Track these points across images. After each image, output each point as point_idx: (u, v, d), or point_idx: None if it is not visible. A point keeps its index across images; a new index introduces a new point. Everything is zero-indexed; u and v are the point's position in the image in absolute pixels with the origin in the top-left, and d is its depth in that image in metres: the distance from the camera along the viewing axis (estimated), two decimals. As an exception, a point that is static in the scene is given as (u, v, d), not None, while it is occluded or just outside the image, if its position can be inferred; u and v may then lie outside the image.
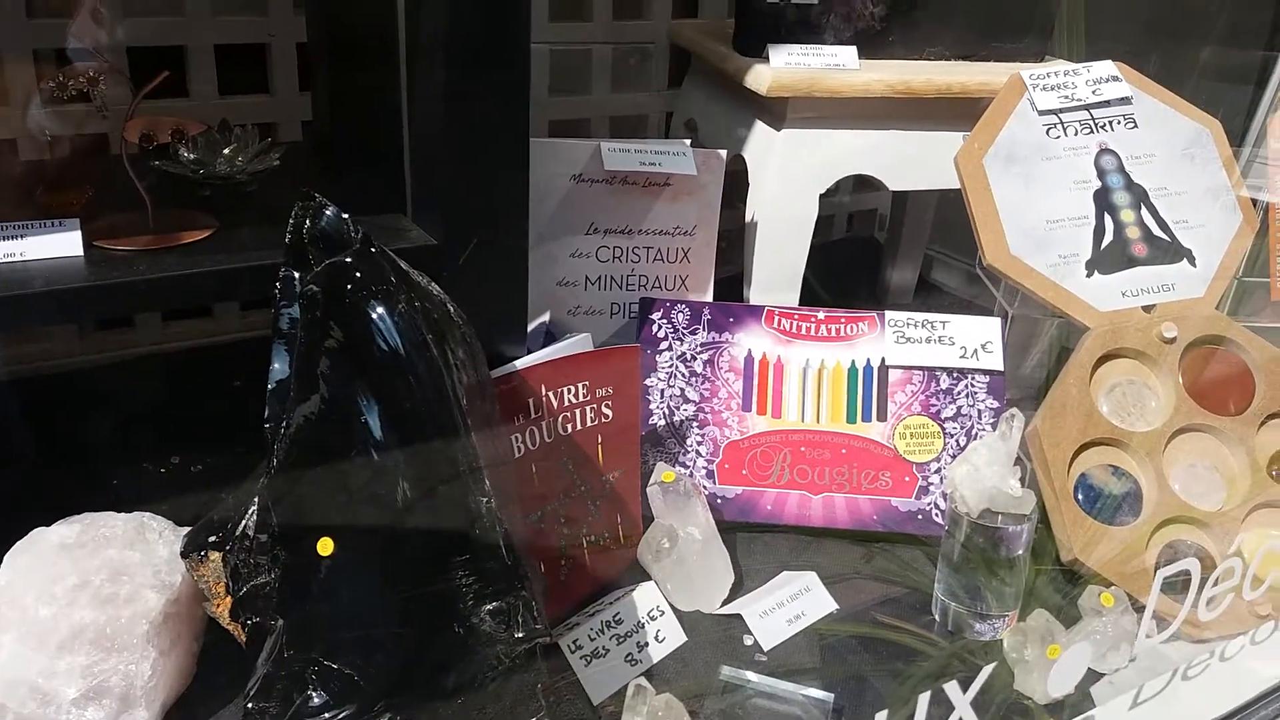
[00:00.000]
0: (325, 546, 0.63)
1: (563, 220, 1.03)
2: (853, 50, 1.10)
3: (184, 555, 0.71)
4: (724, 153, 1.07)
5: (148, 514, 0.75)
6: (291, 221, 0.70)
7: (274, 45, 1.24)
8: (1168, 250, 0.99)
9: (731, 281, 1.18)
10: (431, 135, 0.80)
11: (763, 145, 1.13)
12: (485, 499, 0.63)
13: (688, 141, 1.09)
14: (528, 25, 0.78)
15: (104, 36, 0.82)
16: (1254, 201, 1.05)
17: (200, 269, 0.74)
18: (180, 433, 1.04)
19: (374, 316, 0.66)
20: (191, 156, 0.85)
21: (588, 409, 0.84)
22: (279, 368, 0.70)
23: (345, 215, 0.69)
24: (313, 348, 0.66)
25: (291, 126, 1.27)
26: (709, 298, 1.10)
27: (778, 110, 1.10)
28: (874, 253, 1.64)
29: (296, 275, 0.70)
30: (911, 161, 1.12)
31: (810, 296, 1.14)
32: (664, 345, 0.98)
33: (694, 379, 0.97)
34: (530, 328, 0.97)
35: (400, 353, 0.65)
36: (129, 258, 0.74)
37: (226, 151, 0.87)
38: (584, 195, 1.03)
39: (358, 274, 0.67)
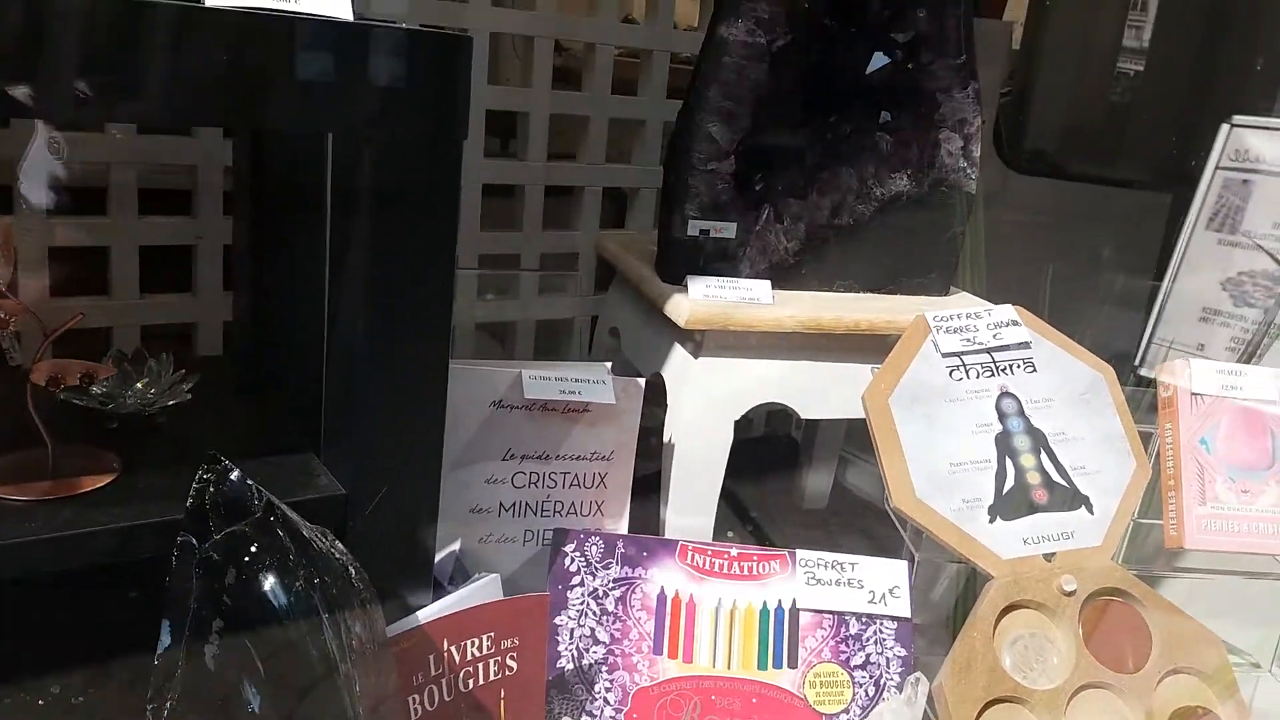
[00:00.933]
0: None
1: (479, 446, 1.03)
2: (766, 284, 1.15)
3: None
4: (643, 381, 1.09)
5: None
6: (194, 486, 0.68)
7: (200, 247, 1.25)
8: (1067, 497, 1.02)
9: (653, 479, 1.18)
10: (349, 363, 0.80)
11: (680, 369, 1.15)
12: (372, 800, 0.60)
13: (608, 365, 1.11)
14: (453, 257, 0.80)
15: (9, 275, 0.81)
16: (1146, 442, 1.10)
17: (99, 525, 0.72)
18: (63, 656, 0.98)
19: (268, 591, 0.65)
20: (101, 390, 0.84)
21: (491, 662, 0.82)
22: (166, 640, 0.68)
23: (250, 481, 0.69)
24: (204, 622, 0.64)
25: (213, 328, 1.27)
26: (625, 522, 1.10)
27: (695, 339, 1.13)
28: (791, 452, 1.67)
29: (195, 541, 0.69)
30: (823, 392, 1.16)
31: (729, 497, 1.15)
32: (575, 580, 0.97)
33: (605, 618, 0.96)
34: (439, 557, 0.96)
35: (293, 633, 0.63)
36: (25, 510, 0.72)
37: (139, 385, 0.86)
38: (503, 421, 1.03)
39: (255, 546, 0.66)
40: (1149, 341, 1.49)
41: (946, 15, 1.09)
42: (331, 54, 0.67)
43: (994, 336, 1.09)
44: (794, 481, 1.63)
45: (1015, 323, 1.10)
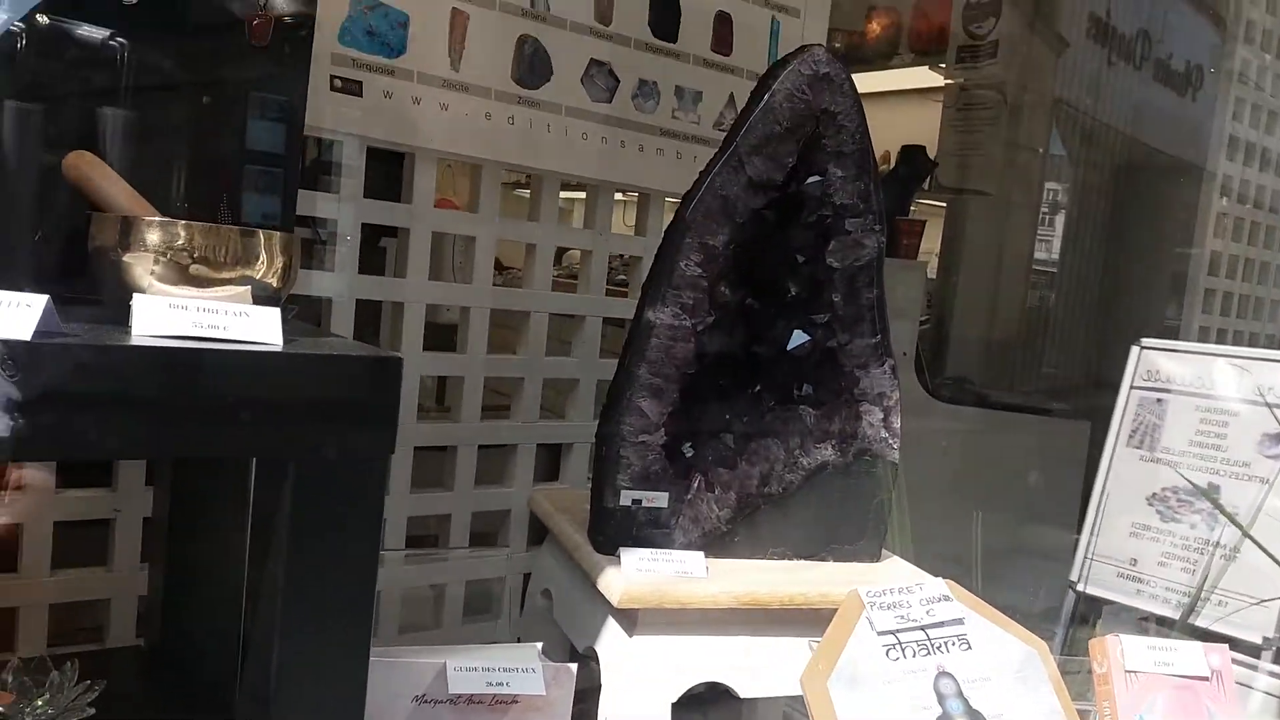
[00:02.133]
0: None
1: (400, 745, 0.98)
2: (700, 557, 1.14)
3: None
4: (574, 667, 1.05)
5: None
6: None
7: (118, 520, 1.21)
8: (1011, 786, 1.00)
9: None
10: (265, 661, 0.76)
11: (615, 646, 1.12)
12: None
13: (539, 647, 1.07)
14: (375, 559, 0.78)
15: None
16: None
17: None
18: None
19: None
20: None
21: None
22: None
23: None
24: None
25: (127, 601, 1.21)
26: (555, 822, 1.04)
27: (630, 615, 1.10)
28: (733, 711, 1.61)
29: None
30: (761, 669, 1.13)
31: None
32: None
33: None
34: None
35: None
36: None
37: (39, 703, 0.81)
38: (425, 717, 0.98)
39: None
40: (1085, 558, 1.51)
41: (860, 299, 1.14)
42: (260, 383, 0.67)
43: (927, 613, 1.08)
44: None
45: (947, 598, 1.10)
